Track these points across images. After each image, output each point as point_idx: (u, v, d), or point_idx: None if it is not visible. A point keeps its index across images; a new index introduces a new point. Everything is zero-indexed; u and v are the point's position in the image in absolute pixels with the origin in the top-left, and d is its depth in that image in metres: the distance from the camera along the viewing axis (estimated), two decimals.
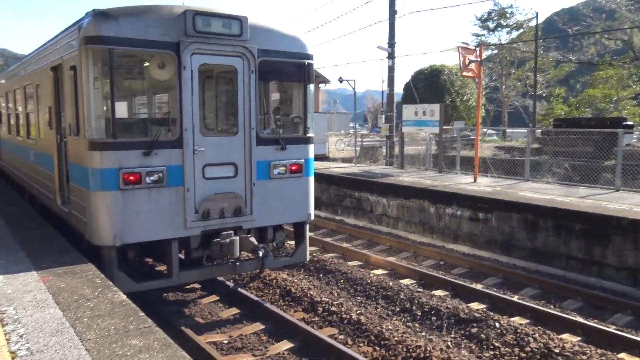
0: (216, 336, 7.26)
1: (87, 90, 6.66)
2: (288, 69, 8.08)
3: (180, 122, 6.99)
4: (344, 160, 24.22)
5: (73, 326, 4.43)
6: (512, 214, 11.08)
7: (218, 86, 8.84)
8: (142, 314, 4.75)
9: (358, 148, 23.37)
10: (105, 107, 6.74)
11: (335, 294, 9.03)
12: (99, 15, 6.55)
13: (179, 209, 7.07)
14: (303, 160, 8.18)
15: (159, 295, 8.68)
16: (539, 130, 23.94)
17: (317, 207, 16.85)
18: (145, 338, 4.21)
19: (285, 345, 6.96)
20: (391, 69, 19.51)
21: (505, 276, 9.97)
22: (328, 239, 12.96)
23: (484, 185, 13.77)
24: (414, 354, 6.45)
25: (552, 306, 8.53)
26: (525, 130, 23.20)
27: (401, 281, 9.58)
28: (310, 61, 8.13)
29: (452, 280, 9.44)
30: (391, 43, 19.29)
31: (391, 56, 19.30)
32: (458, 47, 13.63)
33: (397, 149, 20.64)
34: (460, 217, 12.19)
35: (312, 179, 8.43)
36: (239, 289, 8.61)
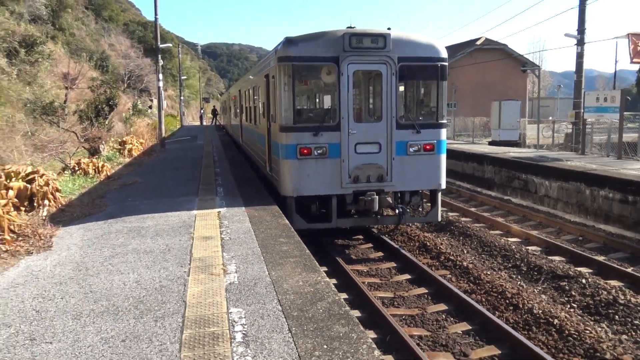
0: (359, 267, 10.12)
1: (279, 91, 10.04)
2: (424, 70, 10.39)
3: (339, 112, 9.93)
4: (535, 146, 24.62)
5: (254, 231, 7.76)
6: None
7: (367, 85, 11.54)
8: (293, 230, 7.87)
9: (547, 133, 23.57)
10: (290, 102, 10.00)
11: (465, 251, 11.10)
12: (287, 42, 9.87)
13: (337, 174, 10.04)
14: (435, 141, 10.41)
15: (331, 241, 11.82)
16: None
17: (489, 187, 18.45)
18: (288, 239, 7.30)
19: (405, 276, 9.50)
20: (580, 56, 19.59)
21: (633, 252, 10.72)
22: (486, 214, 14.70)
23: None
24: (494, 289, 8.44)
25: None
26: None
27: (527, 247, 11.13)
28: (443, 63, 10.31)
29: (572, 249, 10.69)
30: (581, 30, 19.36)
31: (580, 43, 19.40)
32: (628, 34, 13.86)
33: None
34: (612, 199, 12.82)
35: (444, 156, 10.59)
36: (383, 237, 11.32)
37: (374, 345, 4.17)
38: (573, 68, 20.49)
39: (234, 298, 5.10)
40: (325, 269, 9.48)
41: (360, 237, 12.14)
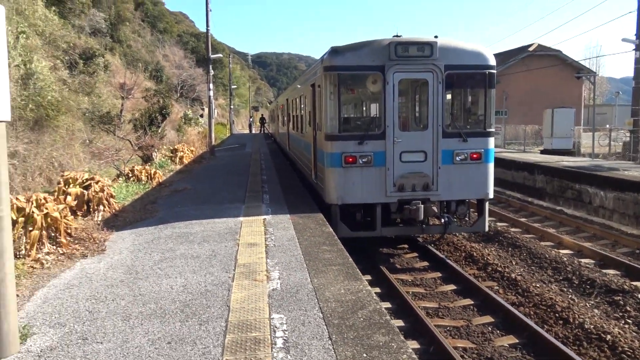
0: (404, 276, 10.03)
1: (325, 100, 10.14)
2: (471, 78, 10.26)
3: (384, 121, 9.93)
4: (590, 155, 23.75)
5: (298, 238, 7.85)
6: None
7: (413, 93, 11.48)
8: (336, 238, 7.92)
9: (603, 141, 22.72)
10: (335, 111, 10.07)
11: (513, 262, 10.82)
12: (332, 52, 9.97)
13: (381, 182, 10.01)
14: (483, 149, 10.23)
15: (376, 249, 11.78)
16: None
17: (540, 197, 17.93)
18: (331, 247, 7.35)
19: (450, 287, 9.36)
20: (638, 61, 18.80)
21: None
22: (537, 224, 14.28)
23: None
24: (543, 302, 8.19)
25: None
26: None
27: (580, 260, 10.74)
28: (491, 71, 10.15)
29: (628, 262, 10.23)
30: (639, 34, 18.61)
31: (639, 48, 18.63)
32: None
33: None
34: None
35: (491, 165, 10.38)
36: (428, 246, 11.20)
37: (414, 356, 4.15)
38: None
39: (276, 304, 5.18)
40: (368, 277, 9.46)
41: (405, 246, 12.04)
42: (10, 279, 4.24)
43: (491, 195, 10.53)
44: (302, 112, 14.81)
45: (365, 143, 9.91)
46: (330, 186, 10.11)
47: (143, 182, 15.07)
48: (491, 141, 10.37)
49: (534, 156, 22.92)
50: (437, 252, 11.05)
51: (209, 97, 24.11)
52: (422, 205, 9.94)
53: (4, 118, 4.10)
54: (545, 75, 35.47)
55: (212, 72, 24.56)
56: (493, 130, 10.43)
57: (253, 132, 65.95)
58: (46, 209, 7.58)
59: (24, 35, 18.61)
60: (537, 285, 9.13)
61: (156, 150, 20.59)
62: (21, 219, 7.12)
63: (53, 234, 7.62)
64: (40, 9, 23.33)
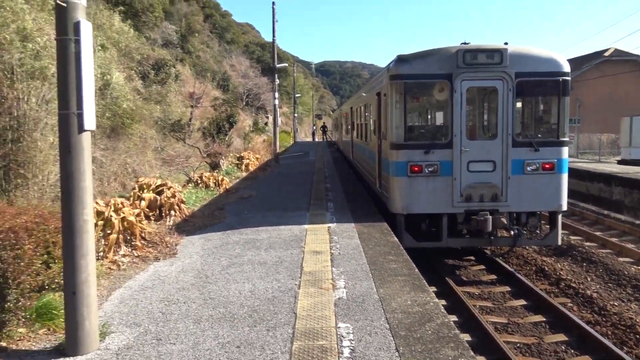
0: (470, 289, 9.77)
1: (391, 109, 10.09)
2: (544, 85, 9.90)
3: (451, 130, 9.75)
4: None
5: (363, 247, 7.83)
6: None
7: (482, 101, 11.18)
8: (402, 248, 7.84)
9: None
10: (401, 120, 10.00)
11: (588, 279, 10.30)
12: (399, 60, 9.91)
13: (448, 192, 9.83)
14: (555, 160, 9.83)
15: (440, 259, 11.54)
16: None
17: (617, 210, 17.00)
18: (396, 257, 7.28)
19: (520, 302, 9.02)
20: None
21: None
22: (614, 239, 13.53)
23: None
24: (622, 322, 7.73)
25: None
26: None
27: None
28: (565, 78, 9.76)
29: None
30: None
31: None
32: None
33: None
34: None
35: (565, 175, 9.95)
36: (496, 259, 10.84)
37: None
38: None
39: (342, 313, 5.18)
40: (434, 289, 9.27)
41: (472, 258, 11.73)
42: (92, 279, 4.48)
43: (565, 207, 10.08)
44: (367, 120, 14.81)
45: (431, 152, 9.77)
46: (395, 195, 10.03)
47: (211, 189, 15.52)
48: (565, 151, 9.95)
49: (610, 166, 21.78)
50: (506, 265, 10.69)
51: (274, 105, 24.58)
52: (491, 217, 9.67)
53: (90, 127, 4.35)
54: (622, 81, 33.67)
55: (277, 81, 25.01)
56: (567, 139, 10.00)
57: (316, 140, 66.51)
58: (123, 213, 7.95)
59: (100, 48, 19.68)
60: (615, 303, 8.65)
61: (223, 157, 21.16)
62: (100, 222, 7.51)
63: (129, 237, 7.98)
64: (117, 23, 24.60)
